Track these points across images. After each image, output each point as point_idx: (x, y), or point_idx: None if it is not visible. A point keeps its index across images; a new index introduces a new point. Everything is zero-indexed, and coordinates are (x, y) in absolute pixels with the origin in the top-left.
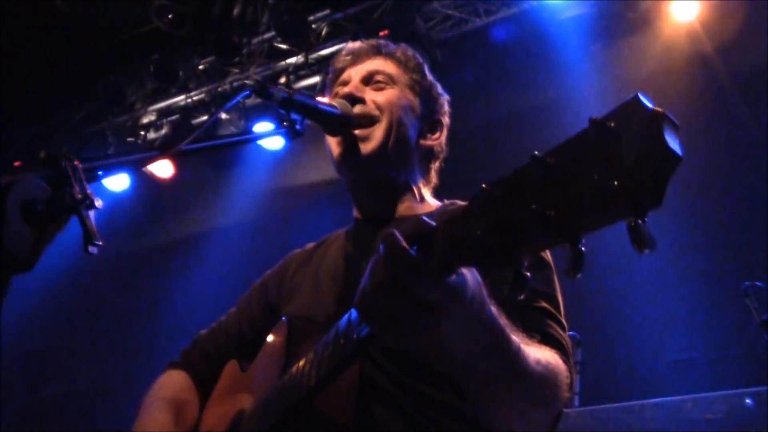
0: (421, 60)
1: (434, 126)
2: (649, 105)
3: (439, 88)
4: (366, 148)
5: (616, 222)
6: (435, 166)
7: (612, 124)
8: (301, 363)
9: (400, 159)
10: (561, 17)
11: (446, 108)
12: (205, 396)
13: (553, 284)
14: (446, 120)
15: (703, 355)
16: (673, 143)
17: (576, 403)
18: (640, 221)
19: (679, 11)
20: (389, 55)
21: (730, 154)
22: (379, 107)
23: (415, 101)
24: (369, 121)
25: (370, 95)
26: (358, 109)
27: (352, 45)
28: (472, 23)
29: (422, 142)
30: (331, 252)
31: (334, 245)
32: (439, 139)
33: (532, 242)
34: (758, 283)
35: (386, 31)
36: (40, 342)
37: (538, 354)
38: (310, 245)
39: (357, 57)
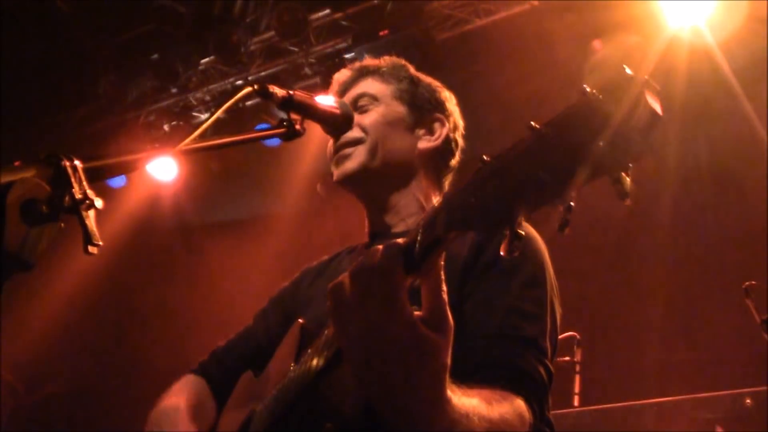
0: (405, 66)
1: (431, 127)
2: (631, 72)
3: (433, 86)
4: (348, 166)
5: (603, 176)
6: (449, 163)
7: (600, 94)
8: (308, 352)
9: (397, 173)
10: (561, 17)
11: (446, 103)
12: (221, 405)
13: (544, 304)
14: (446, 115)
15: (703, 355)
16: (654, 103)
17: (576, 403)
18: (623, 174)
19: (680, 9)
20: (372, 73)
21: (731, 152)
22: (364, 129)
23: (404, 110)
24: (356, 143)
25: (357, 119)
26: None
27: (339, 75)
28: (472, 23)
29: (421, 146)
30: (342, 266)
31: (346, 260)
32: (439, 138)
33: (526, 202)
34: (758, 283)
35: (386, 31)
36: (39, 342)
37: (489, 414)
38: (324, 258)
39: (345, 86)
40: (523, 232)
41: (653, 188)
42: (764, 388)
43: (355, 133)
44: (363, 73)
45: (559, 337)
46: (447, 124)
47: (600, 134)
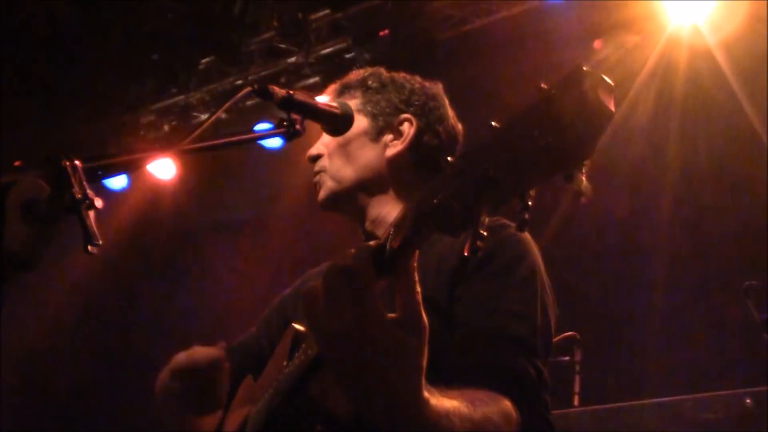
0: (375, 72)
1: (399, 129)
2: (587, 69)
3: (404, 84)
4: (321, 195)
5: (556, 174)
6: (436, 156)
7: (554, 90)
8: (297, 354)
9: (369, 187)
10: (561, 17)
11: (419, 98)
12: (225, 407)
13: (534, 304)
14: (417, 110)
15: (703, 355)
16: (607, 100)
17: (576, 403)
18: (576, 172)
19: (681, 9)
20: (342, 91)
21: (731, 152)
22: (331, 155)
23: (366, 122)
24: (323, 170)
25: (327, 143)
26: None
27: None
28: (472, 23)
29: (389, 153)
30: None
31: None
32: (407, 139)
33: (486, 202)
34: (758, 283)
35: (386, 31)
36: (40, 342)
37: (472, 415)
38: (325, 264)
39: None
40: (485, 233)
41: (653, 188)
42: (764, 388)
43: (324, 161)
44: (337, 94)
45: (559, 337)
46: (416, 122)
47: (549, 131)
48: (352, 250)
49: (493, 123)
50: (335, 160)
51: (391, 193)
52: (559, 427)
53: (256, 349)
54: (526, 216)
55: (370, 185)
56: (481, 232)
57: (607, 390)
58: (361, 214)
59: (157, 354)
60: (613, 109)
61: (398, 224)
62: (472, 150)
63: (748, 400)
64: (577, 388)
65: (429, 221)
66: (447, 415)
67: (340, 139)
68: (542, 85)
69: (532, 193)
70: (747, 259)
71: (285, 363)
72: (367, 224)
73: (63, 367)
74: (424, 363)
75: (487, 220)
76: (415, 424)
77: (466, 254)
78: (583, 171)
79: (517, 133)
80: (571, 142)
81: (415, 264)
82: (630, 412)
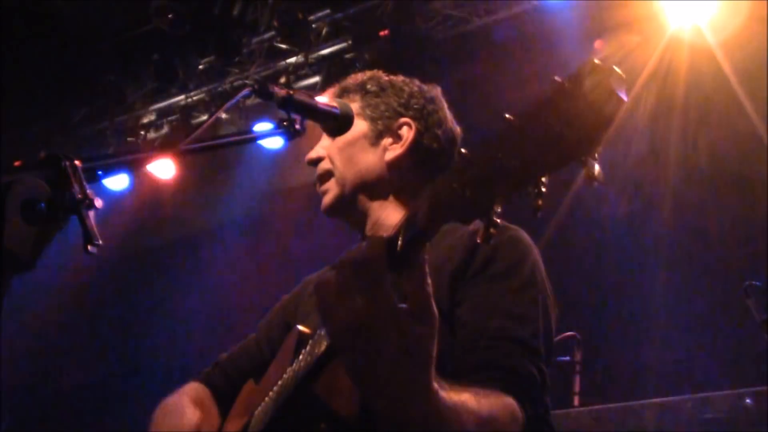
0: (374, 76)
1: (398, 133)
2: (599, 62)
3: (403, 87)
4: (326, 202)
5: (571, 162)
6: (436, 158)
7: (567, 82)
8: (302, 354)
9: (371, 191)
10: (561, 16)
11: (417, 102)
12: (224, 415)
13: (536, 305)
14: (416, 113)
15: (703, 355)
16: (618, 90)
17: (576, 403)
18: (589, 158)
19: (681, 9)
20: (340, 95)
21: (731, 152)
22: (332, 159)
23: (365, 126)
24: (328, 175)
25: (326, 146)
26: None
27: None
28: (472, 23)
29: (388, 157)
30: None
31: None
32: (406, 142)
33: (500, 191)
34: (758, 283)
35: (386, 31)
36: (40, 342)
37: (479, 409)
38: (326, 268)
39: None
40: (498, 221)
41: (653, 188)
42: (764, 388)
43: (326, 164)
44: (335, 97)
45: (559, 337)
46: (415, 125)
47: (564, 120)
48: (365, 243)
49: (507, 115)
50: (337, 164)
51: (391, 196)
52: (559, 427)
53: (257, 353)
54: (540, 202)
55: (371, 189)
56: (495, 220)
57: (607, 390)
58: (362, 218)
59: (157, 354)
60: (625, 98)
61: (411, 216)
62: (486, 140)
63: (748, 400)
64: (577, 388)
65: (444, 210)
66: (455, 407)
67: (339, 143)
68: (556, 78)
69: (544, 180)
70: (747, 259)
71: (289, 364)
72: (368, 228)
73: (63, 366)
74: (435, 353)
75: (500, 208)
76: (424, 414)
77: (479, 241)
78: (596, 157)
79: (532, 124)
80: (585, 130)
81: (426, 256)
82: (630, 412)
